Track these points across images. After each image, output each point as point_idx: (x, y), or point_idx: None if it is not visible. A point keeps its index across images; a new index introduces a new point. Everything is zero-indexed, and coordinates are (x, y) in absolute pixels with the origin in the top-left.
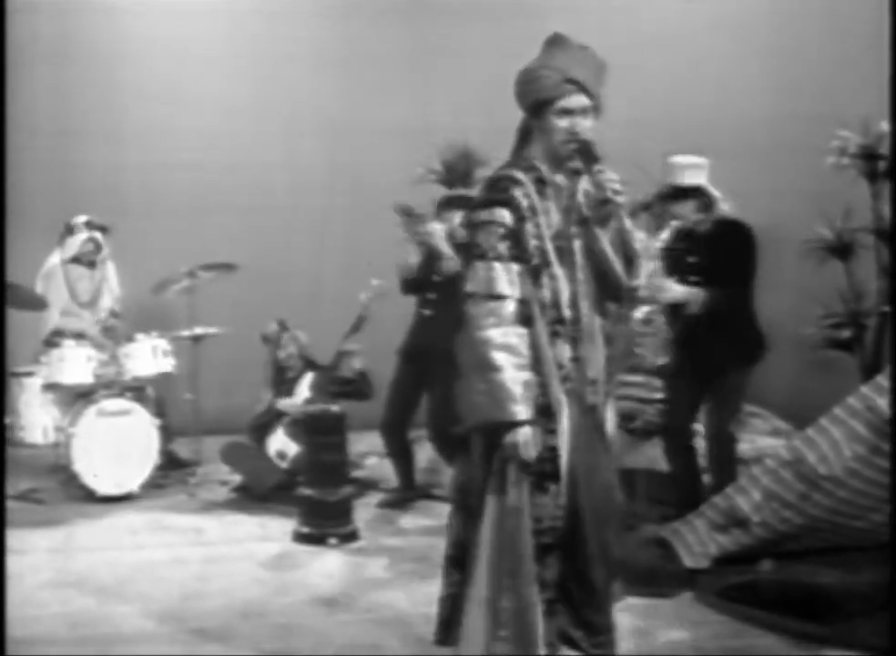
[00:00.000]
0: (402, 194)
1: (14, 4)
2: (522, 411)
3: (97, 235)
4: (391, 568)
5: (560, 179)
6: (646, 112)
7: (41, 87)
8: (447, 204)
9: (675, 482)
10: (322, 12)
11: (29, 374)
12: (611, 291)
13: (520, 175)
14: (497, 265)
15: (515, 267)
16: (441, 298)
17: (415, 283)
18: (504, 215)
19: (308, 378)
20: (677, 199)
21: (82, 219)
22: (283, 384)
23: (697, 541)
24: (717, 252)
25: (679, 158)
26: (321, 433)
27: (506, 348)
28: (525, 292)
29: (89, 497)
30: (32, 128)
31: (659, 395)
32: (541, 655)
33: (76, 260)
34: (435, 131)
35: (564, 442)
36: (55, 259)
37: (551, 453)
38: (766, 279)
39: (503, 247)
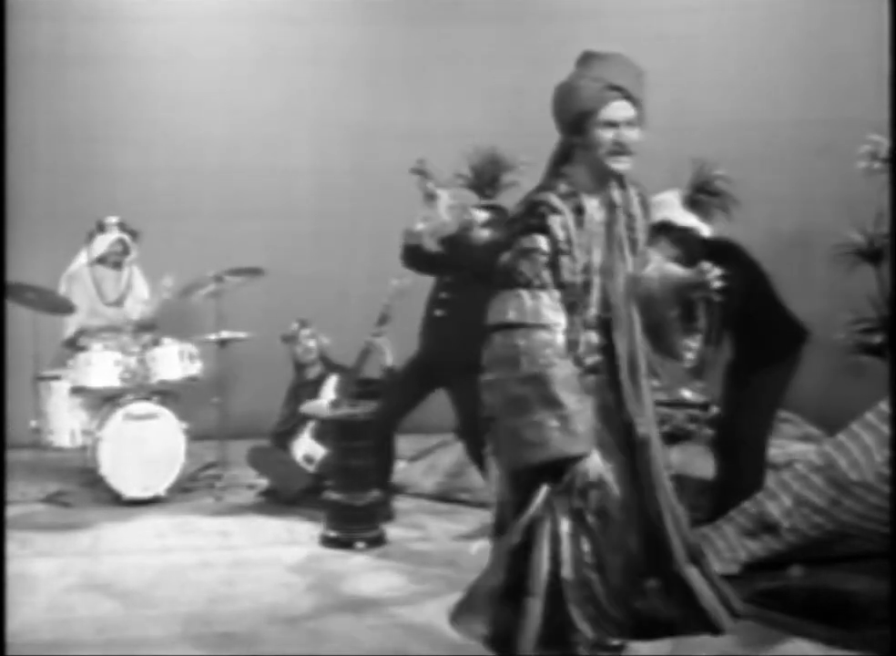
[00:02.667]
0: None
1: (41, 9)
2: (589, 443)
3: (127, 237)
4: (418, 573)
5: (599, 207)
6: (676, 118)
7: (69, 93)
8: None
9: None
10: (349, 16)
11: (57, 378)
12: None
13: (558, 202)
14: (543, 294)
15: (558, 295)
16: (455, 298)
17: (416, 253)
18: (543, 242)
19: (332, 381)
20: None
21: (114, 219)
22: (304, 386)
23: (726, 547)
24: None
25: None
26: (349, 437)
27: (567, 383)
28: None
29: (116, 500)
30: (60, 134)
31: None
32: None
33: (101, 260)
34: (463, 136)
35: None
36: (81, 260)
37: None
38: (797, 283)
39: (546, 275)
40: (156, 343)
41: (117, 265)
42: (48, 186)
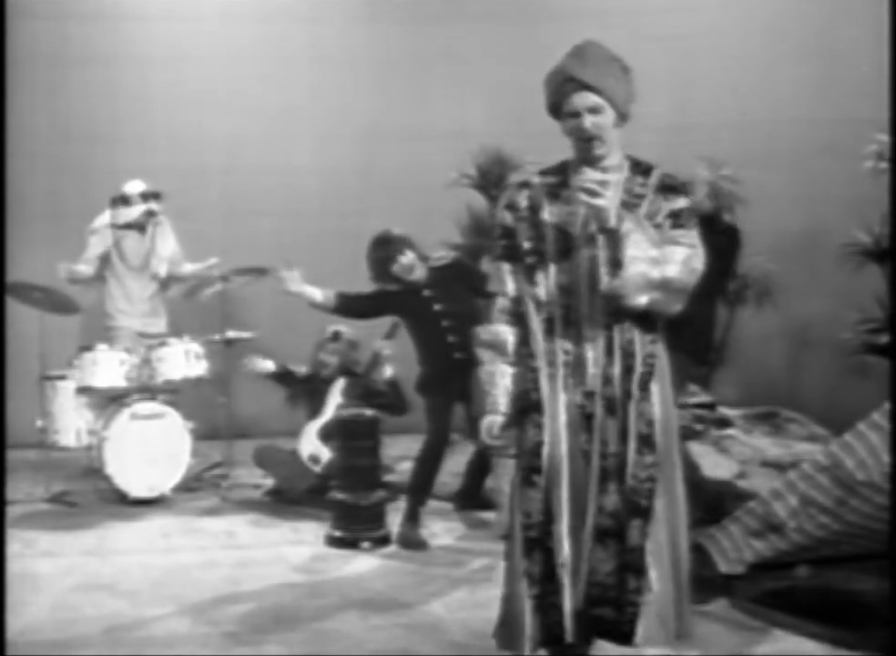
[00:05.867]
0: (435, 198)
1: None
2: (494, 403)
3: (153, 205)
4: (423, 573)
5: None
6: (683, 117)
7: (71, 92)
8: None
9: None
10: (352, 16)
11: (62, 378)
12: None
13: (534, 179)
14: (495, 264)
15: (507, 266)
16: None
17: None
18: (505, 216)
19: (341, 384)
20: None
21: (137, 189)
22: (317, 385)
23: (732, 547)
24: None
25: None
26: (354, 437)
27: (487, 344)
28: (520, 290)
29: (122, 499)
30: (64, 134)
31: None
32: (525, 654)
33: (127, 226)
34: (467, 135)
35: (548, 436)
36: (104, 219)
37: (538, 447)
38: (803, 283)
39: (499, 246)
40: (161, 343)
41: (142, 229)
42: (48, 186)
